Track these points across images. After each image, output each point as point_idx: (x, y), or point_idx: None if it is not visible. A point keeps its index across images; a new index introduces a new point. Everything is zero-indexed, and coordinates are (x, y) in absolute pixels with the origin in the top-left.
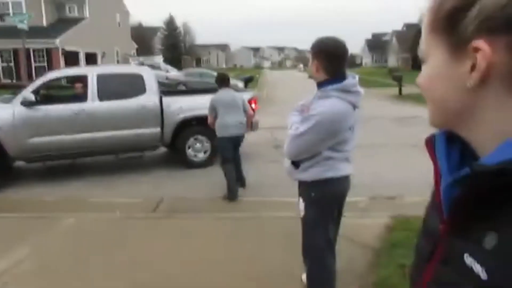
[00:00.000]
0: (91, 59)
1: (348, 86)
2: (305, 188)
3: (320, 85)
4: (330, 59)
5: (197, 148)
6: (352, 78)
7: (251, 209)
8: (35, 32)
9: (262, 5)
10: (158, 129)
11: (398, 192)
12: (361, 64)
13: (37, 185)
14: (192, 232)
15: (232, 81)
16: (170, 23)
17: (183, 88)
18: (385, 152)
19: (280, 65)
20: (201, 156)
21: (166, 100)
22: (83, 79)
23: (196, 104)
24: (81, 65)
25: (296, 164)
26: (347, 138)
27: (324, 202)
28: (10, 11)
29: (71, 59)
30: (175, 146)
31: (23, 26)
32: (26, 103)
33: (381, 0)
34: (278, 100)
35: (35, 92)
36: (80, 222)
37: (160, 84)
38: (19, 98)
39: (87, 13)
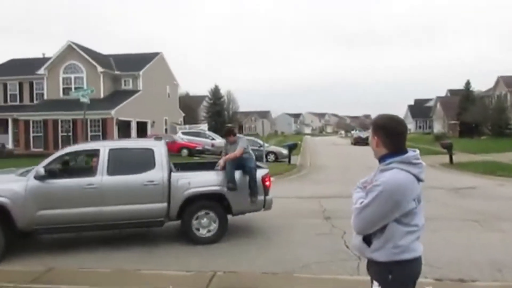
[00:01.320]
0: (142, 127)
1: (409, 158)
2: (380, 270)
3: (381, 159)
4: (391, 136)
5: (204, 224)
6: (412, 152)
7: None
8: (94, 103)
9: (303, 72)
10: (164, 205)
11: (463, 273)
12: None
13: (84, 255)
14: None
15: (276, 148)
16: (215, 92)
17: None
18: (445, 226)
19: (320, 131)
20: (208, 232)
21: (175, 175)
22: (96, 154)
23: (205, 180)
24: (133, 133)
25: (367, 241)
26: (414, 211)
27: (402, 285)
28: (73, 85)
29: (124, 127)
30: (181, 222)
31: (85, 100)
32: (38, 177)
33: (424, 69)
34: (322, 167)
35: (49, 166)
36: None
37: (205, 151)
38: (34, 171)
39: (140, 86)
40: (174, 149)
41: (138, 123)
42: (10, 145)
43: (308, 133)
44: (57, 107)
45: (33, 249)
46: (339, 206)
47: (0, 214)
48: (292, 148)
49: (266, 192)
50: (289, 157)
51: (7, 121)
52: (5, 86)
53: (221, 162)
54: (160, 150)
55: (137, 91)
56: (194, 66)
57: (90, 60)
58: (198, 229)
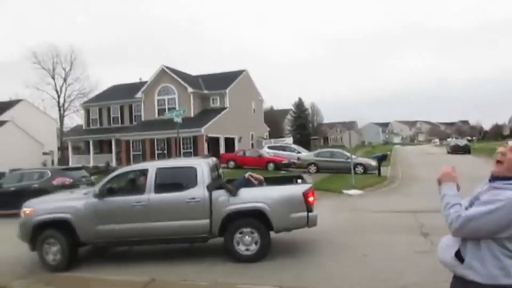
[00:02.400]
0: (229, 143)
1: None
2: None
3: (504, 178)
4: None
5: (246, 242)
6: None
7: None
8: (185, 122)
9: (390, 79)
10: (207, 221)
11: None
12: (510, 135)
13: (185, 267)
14: None
15: (365, 160)
16: (299, 105)
17: (314, 168)
18: None
19: (411, 140)
20: (250, 249)
21: (216, 192)
22: (145, 173)
23: (244, 197)
24: (221, 149)
25: (459, 257)
26: None
27: None
28: (166, 106)
29: (213, 144)
30: (224, 238)
31: (178, 120)
32: (95, 195)
33: None
34: (416, 179)
35: (105, 185)
36: None
37: (291, 164)
38: (93, 190)
39: (227, 103)
40: (261, 164)
41: (226, 139)
42: (113, 163)
43: (397, 143)
44: (153, 127)
45: (138, 259)
46: (437, 221)
47: (65, 228)
48: (382, 159)
49: (309, 209)
50: (378, 168)
51: (110, 141)
52: (108, 110)
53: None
54: (202, 168)
55: (224, 108)
56: (278, 80)
57: (181, 81)
58: (240, 247)
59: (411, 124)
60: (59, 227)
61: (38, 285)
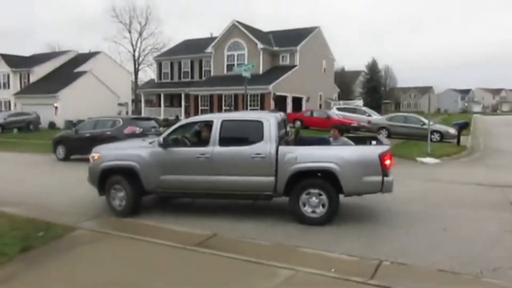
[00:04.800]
0: (297, 102)
1: None
2: None
3: None
4: None
5: (313, 203)
6: None
7: None
8: (253, 79)
9: (474, 42)
10: (272, 179)
11: None
12: None
13: (246, 225)
14: None
15: (442, 127)
16: (373, 66)
17: (385, 133)
18: None
19: (494, 110)
20: (317, 212)
21: (283, 149)
22: (210, 125)
23: (313, 156)
24: (288, 108)
25: None
26: None
27: None
28: (235, 62)
29: (280, 102)
30: (289, 199)
31: (247, 75)
32: (162, 145)
33: None
34: (500, 151)
35: (170, 135)
36: (296, 277)
37: (361, 128)
38: (158, 140)
39: (297, 61)
40: (328, 125)
41: (293, 98)
42: (182, 117)
43: (477, 112)
44: (221, 82)
45: (198, 212)
46: None
47: (130, 176)
48: (463, 127)
49: (384, 173)
50: (458, 137)
51: (180, 95)
52: (179, 64)
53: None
54: (269, 123)
55: (293, 66)
56: (351, 40)
57: (252, 37)
58: (306, 208)
59: (495, 92)
60: (125, 174)
61: (104, 228)
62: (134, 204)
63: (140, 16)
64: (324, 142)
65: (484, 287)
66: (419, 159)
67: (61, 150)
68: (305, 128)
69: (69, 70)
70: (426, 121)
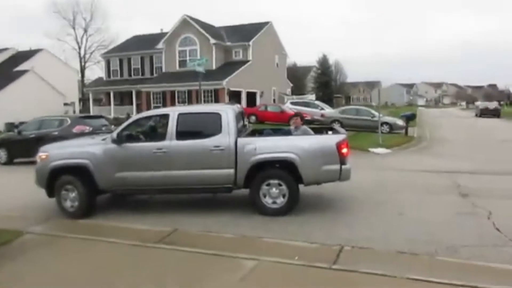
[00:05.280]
0: (251, 97)
1: None
2: None
3: None
4: None
5: (273, 194)
6: None
7: (457, 275)
8: (206, 75)
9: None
10: (231, 171)
11: None
12: None
13: (208, 219)
14: None
15: (391, 119)
16: (323, 62)
17: (338, 126)
18: None
19: (436, 103)
20: (278, 202)
21: (242, 140)
22: (166, 118)
23: (273, 146)
24: (243, 103)
25: None
26: None
27: None
28: (187, 57)
29: (234, 97)
30: (249, 190)
31: (201, 69)
32: (116, 141)
33: None
34: (444, 140)
35: (124, 131)
36: (261, 267)
37: (314, 121)
38: (111, 136)
39: (250, 56)
40: (283, 119)
41: (247, 93)
42: (134, 115)
43: (422, 105)
44: (174, 79)
45: (158, 209)
46: (476, 182)
47: (82, 174)
48: (410, 118)
49: (342, 161)
50: (406, 128)
51: (131, 93)
52: (129, 61)
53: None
54: (227, 114)
55: (247, 61)
56: (302, 35)
57: (203, 32)
58: (266, 199)
59: (437, 86)
60: (77, 173)
61: (56, 231)
62: (88, 205)
63: (84, 11)
64: (283, 132)
65: (440, 265)
66: (371, 149)
67: (2, 154)
68: (260, 123)
69: (8, 69)
70: (376, 113)
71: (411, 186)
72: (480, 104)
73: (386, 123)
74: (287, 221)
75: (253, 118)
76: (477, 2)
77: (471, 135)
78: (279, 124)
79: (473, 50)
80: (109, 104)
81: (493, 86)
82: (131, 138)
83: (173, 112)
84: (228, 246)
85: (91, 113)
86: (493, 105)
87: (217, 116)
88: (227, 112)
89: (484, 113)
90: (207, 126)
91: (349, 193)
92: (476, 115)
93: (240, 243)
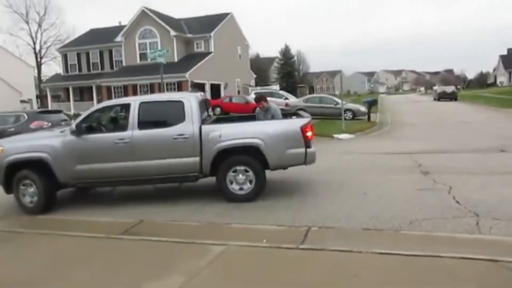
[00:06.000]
0: (215, 89)
1: None
2: None
3: None
4: None
5: (240, 180)
6: None
7: (420, 246)
8: (168, 67)
9: (376, 29)
10: (196, 159)
11: None
12: (494, 83)
13: (173, 208)
14: (348, 270)
15: (354, 106)
16: (286, 52)
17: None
18: None
19: (397, 90)
20: (245, 189)
21: (206, 128)
22: (127, 108)
23: (237, 132)
24: (207, 95)
25: None
26: None
27: None
28: (148, 50)
29: (198, 89)
30: (216, 178)
31: (162, 60)
32: (75, 132)
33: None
34: (405, 124)
35: (83, 122)
36: (229, 251)
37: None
38: (70, 127)
39: (212, 48)
40: (248, 110)
41: (211, 85)
42: None
43: (383, 92)
44: (135, 72)
45: (123, 201)
46: (436, 161)
47: (41, 168)
48: (372, 104)
49: (307, 144)
50: (368, 114)
51: (91, 88)
52: (87, 55)
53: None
54: (190, 102)
55: (209, 53)
56: (264, 26)
57: (163, 24)
58: (233, 186)
59: (397, 73)
60: (35, 167)
61: (14, 227)
62: (48, 199)
63: (37, 5)
64: (248, 118)
65: (404, 238)
66: (335, 135)
67: None
68: (225, 114)
69: None
70: (339, 101)
71: (374, 167)
72: (438, 88)
73: (349, 109)
74: (253, 207)
75: (218, 110)
76: None
77: (430, 118)
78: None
79: (430, 38)
80: (68, 100)
81: (450, 71)
82: (91, 129)
83: (135, 101)
84: (196, 233)
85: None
86: (450, 89)
87: (180, 104)
88: (190, 100)
89: (442, 96)
90: (170, 115)
91: (314, 176)
92: (435, 99)
93: (207, 230)
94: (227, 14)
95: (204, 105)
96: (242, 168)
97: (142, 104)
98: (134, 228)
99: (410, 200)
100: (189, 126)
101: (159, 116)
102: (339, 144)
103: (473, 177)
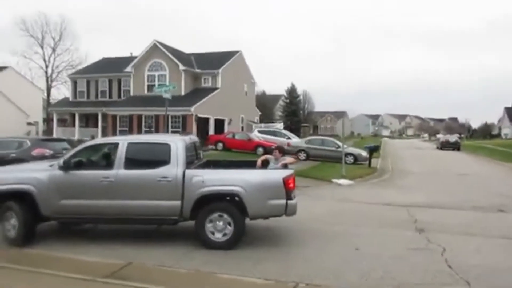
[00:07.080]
0: (219, 124)
1: None
2: None
3: None
4: None
5: (219, 227)
6: None
7: None
8: (175, 100)
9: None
10: (178, 202)
11: None
12: (499, 134)
13: (162, 251)
14: None
15: (355, 150)
16: (292, 91)
17: (303, 155)
18: None
19: (400, 134)
20: (222, 236)
21: (190, 172)
22: (116, 147)
23: (220, 179)
24: (211, 130)
25: None
26: None
27: None
28: (156, 82)
29: (202, 124)
30: (195, 223)
31: (167, 96)
32: (63, 167)
33: None
34: (406, 172)
35: (72, 158)
36: None
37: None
38: (58, 162)
39: (219, 84)
40: (250, 147)
41: (216, 120)
42: (99, 137)
43: (386, 136)
44: (141, 103)
45: (110, 240)
46: (432, 217)
47: (25, 201)
48: (374, 150)
49: (288, 196)
50: (369, 160)
51: (97, 115)
52: (96, 82)
53: (258, 161)
54: (176, 145)
55: (215, 88)
56: (272, 65)
57: (173, 58)
58: (213, 233)
59: (401, 117)
60: (20, 199)
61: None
62: (27, 232)
63: (53, 31)
64: (242, 164)
65: None
66: (334, 180)
67: None
68: (227, 150)
69: None
70: (341, 144)
71: (369, 219)
72: (441, 137)
73: (351, 154)
74: (242, 256)
75: (220, 145)
76: (437, 40)
77: (431, 167)
78: (246, 152)
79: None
80: (74, 125)
81: (454, 120)
82: (79, 165)
83: (123, 141)
84: (182, 282)
85: (55, 134)
86: (453, 138)
87: (166, 147)
88: (177, 143)
89: (445, 146)
90: (156, 156)
91: (307, 225)
92: (438, 147)
93: (194, 278)
94: (236, 52)
95: (192, 148)
96: (222, 214)
97: (130, 144)
98: (122, 271)
99: (402, 260)
100: (173, 170)
101: (145, 157)
102: (337, 189)
103: (469, 238)
